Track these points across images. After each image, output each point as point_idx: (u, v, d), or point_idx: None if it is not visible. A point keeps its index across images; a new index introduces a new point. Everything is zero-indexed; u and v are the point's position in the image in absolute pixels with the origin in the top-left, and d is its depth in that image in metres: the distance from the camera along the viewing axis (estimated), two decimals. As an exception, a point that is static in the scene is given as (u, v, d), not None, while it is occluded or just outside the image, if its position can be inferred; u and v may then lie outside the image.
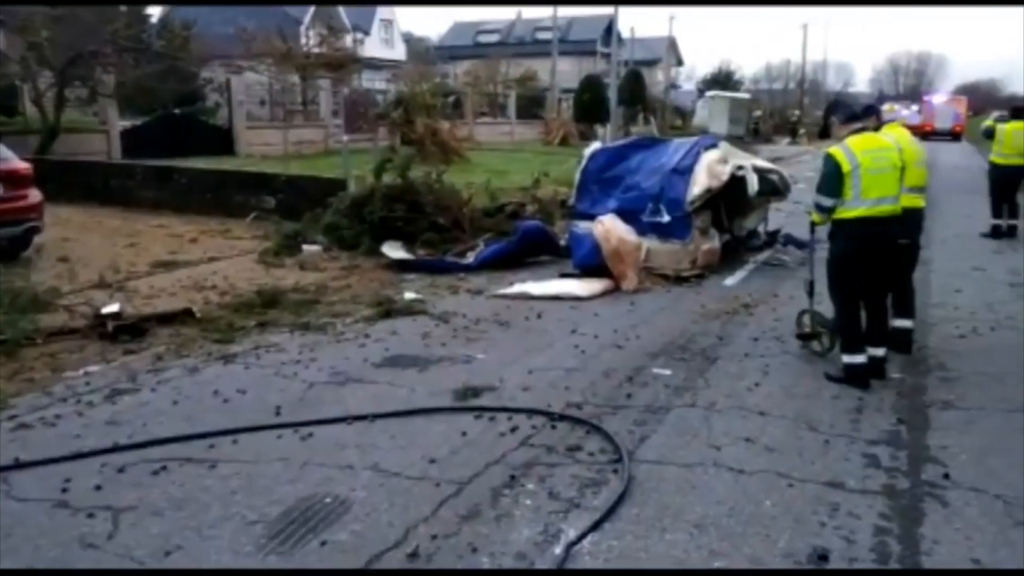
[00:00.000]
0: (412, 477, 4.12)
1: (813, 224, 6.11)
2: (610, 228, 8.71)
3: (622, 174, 10.32)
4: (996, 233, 12.16)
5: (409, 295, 8.16)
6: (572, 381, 5.65)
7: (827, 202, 5.75)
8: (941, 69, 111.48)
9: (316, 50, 33.19)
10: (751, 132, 45.19)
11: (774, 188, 10.25)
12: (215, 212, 13.30)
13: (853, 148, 5.70)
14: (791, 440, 4.68)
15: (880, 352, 5.87)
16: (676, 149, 10.14)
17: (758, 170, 9.80)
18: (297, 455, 4.39)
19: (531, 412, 5.00)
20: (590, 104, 28.68)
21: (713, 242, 9.48)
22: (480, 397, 5.34)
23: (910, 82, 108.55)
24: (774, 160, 26.19)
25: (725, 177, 9.45)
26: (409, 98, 25.71)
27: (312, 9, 44.19)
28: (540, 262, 10.06)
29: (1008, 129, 12.22)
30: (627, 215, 9.69)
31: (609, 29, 71.50)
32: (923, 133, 48.27)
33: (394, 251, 9.89)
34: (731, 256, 10.05)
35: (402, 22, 74.62)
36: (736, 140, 41.23)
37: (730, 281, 9.07)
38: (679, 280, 8.93)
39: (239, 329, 6.93)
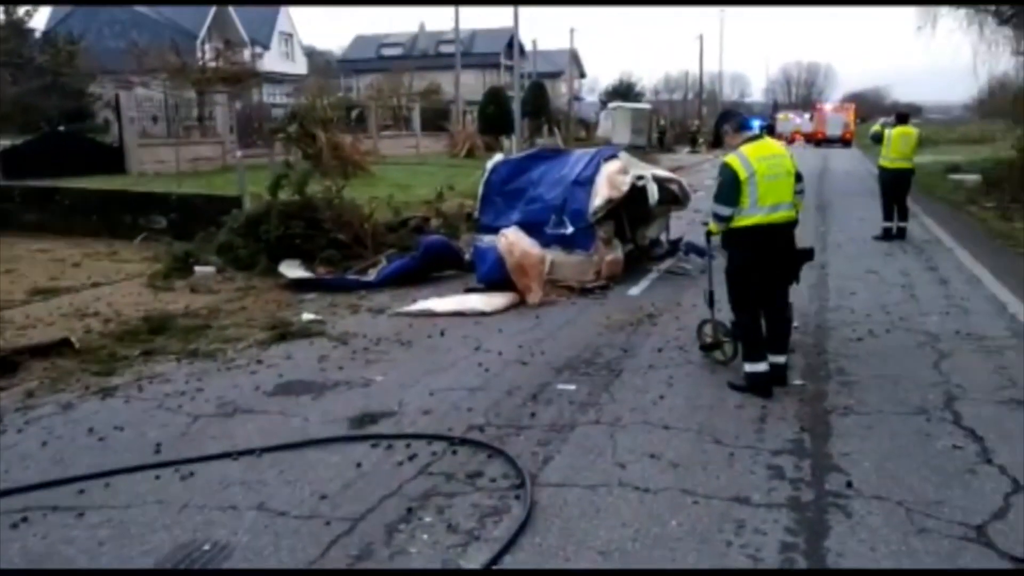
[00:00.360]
0: (301, 516, 3.85)
1: (709, 234, 6.10)
2: (514, 241, 8.58)
3: (525, 186, 10.25)
4: (887, 235, 12.56)
5: (307, 316, 7.85)
6: (475, 401, 5.46)
7: (725, 211, 5.74)
8: (829, 79, 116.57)
9: (212, 64, 32.27)
10: (656, 142, 46.04)
11: (674, 197, 10.31)
12: (102, 234, 12.65)
13: (749, 156, 5.71)
14: (696, 454, 4.59)
15: (781, 359, 5.88)
16: (577, 160, 10.11)
17: (657, 179, 9.84)
18: (176, 497, 4.06)
19: (430, 438, 4.78)
20: (495, 116, 28.68)
21: (616, 252, 9.47)
22: (378, 424, 5.09)
23: (802, 92, 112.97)
24: (675, 169, 26.68)
25: (626, 187, 9.46)
26: (307, 111, 25.20)
27: (207, 23, 43.01)
28: (445, 277, 9.86)
29: (895, 134, 12.66)
30: (531, 227, 9.61)
31: (511, 42, 72.45)
32: (816, 140, 50.33)
33: (292, 270, 9.54)
34: (635, 265, 10.05)
35: (304, 36, 73.55)
36: (638, 150, 42.10)
37: (634, 291, 9.05)
38: (584, 291, 8.87)
39: (121, 359, 6.50)
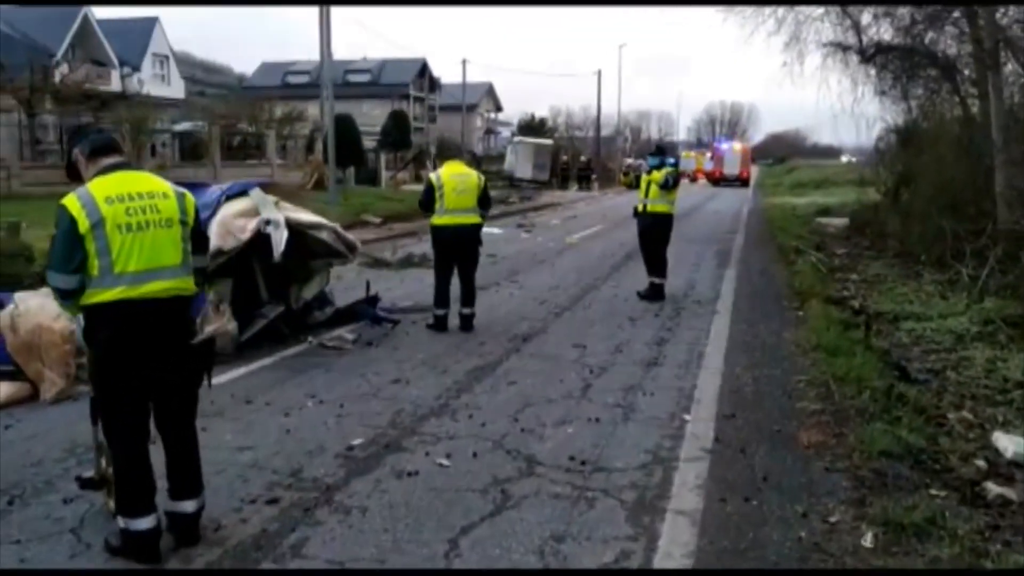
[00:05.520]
0: None
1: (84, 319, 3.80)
2: (25, 312, 6.14)
3: (148, 230, 7.89)
4: (655, 293, 10.45)
5: None
6: None
7: (62, 282, 3.53)
8: (752, 119, 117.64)
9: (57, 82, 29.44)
10: (560, 177, 44.32)
11: (328, 249, 7.99)
12: None
13: (97, 195, 3.55)
14: None
15: (189, 506, 3.76)
16: (207, 197, 7.78)
17: (299, 226, 7.54)
18: None
19: None
20: (343, 146, 26.04)
21: (224, 321, 7.07)
22: None
23: (725, 132, 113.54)
24: (545, 207, 24.63)
25: (245, 235, 7.15)
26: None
27: (68, 40, 39.95)
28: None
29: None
30: None
31: (422, 72, 70.74)
32: (714, 179, 49.27)
33: None
34: (280, 334, 7.73)
35: (219, 57, 71.27)
36: (540, 185, 40.22)
37: (228, 376, 6.59)
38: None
39: None
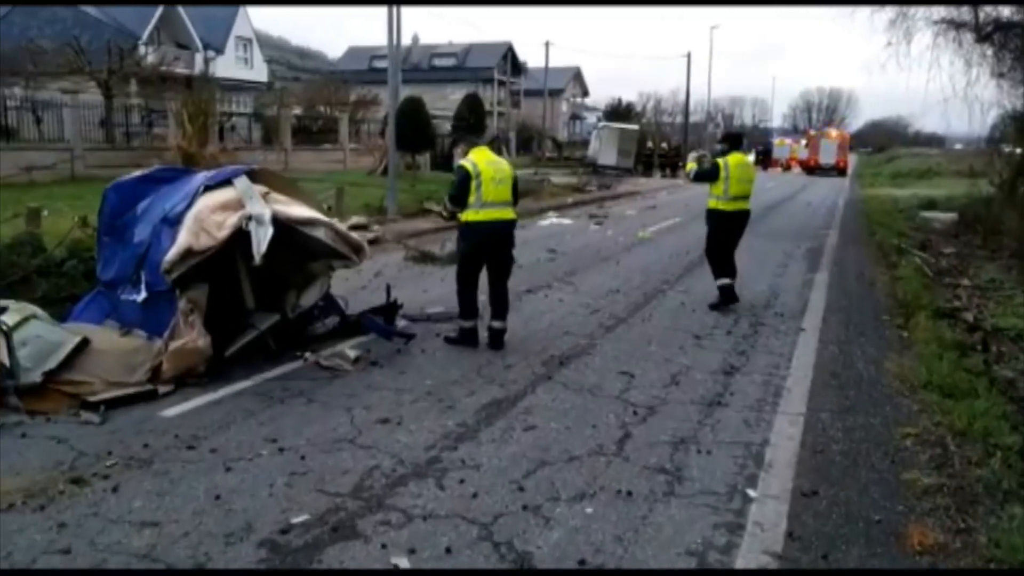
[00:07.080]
0: None
1: None
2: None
3: (131, 222, 6.84)
4: (729, 297, 8.90)
5: None
6: None
7: None
8: (852, 105, 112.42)
9: (134, 66, 29.31)
10: (645, 164, 42.54)
11: (330, 250, 6.71)
12: None
13: None
14: None
15: None
16: (187, 186, 6.64)
17: (289, 221, 6.28)
18: None
19: None
20: (410, 131, 24.77)
21: (194, 336, 5.87)
22: None
23: (823, 118, 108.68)
24: (623, 195, 23.20)
25: (224, 233, 5.96)
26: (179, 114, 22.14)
27: (153, 23, 40.12)
28: None
29: (732, 164, 8.81)
30: (116, 288, 6.44)
31: (506, 56, 69.50)
32: (809, 168, 46.49)
33: None
34: (264, 348, 6.54)
35: (307, 41, 71.49)
36: (625, 172, 38.56)
37: (178, 409, 5.38)
38: (87, 405, 5.30)
39: None
